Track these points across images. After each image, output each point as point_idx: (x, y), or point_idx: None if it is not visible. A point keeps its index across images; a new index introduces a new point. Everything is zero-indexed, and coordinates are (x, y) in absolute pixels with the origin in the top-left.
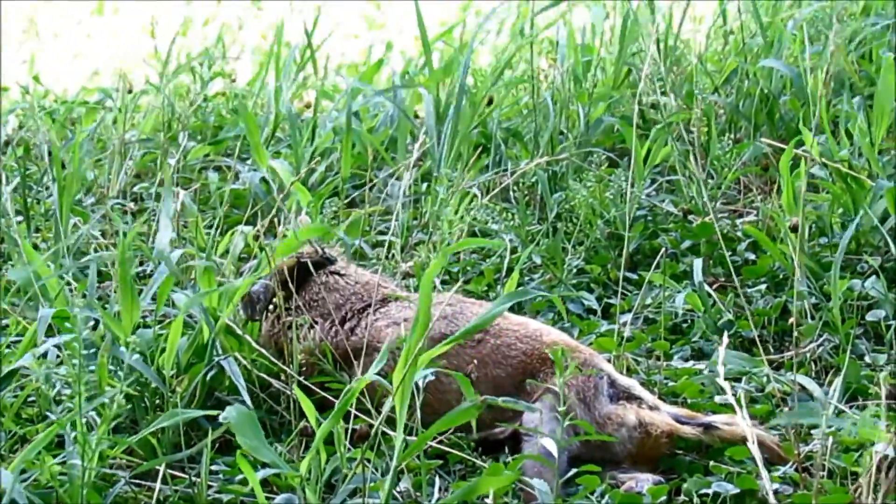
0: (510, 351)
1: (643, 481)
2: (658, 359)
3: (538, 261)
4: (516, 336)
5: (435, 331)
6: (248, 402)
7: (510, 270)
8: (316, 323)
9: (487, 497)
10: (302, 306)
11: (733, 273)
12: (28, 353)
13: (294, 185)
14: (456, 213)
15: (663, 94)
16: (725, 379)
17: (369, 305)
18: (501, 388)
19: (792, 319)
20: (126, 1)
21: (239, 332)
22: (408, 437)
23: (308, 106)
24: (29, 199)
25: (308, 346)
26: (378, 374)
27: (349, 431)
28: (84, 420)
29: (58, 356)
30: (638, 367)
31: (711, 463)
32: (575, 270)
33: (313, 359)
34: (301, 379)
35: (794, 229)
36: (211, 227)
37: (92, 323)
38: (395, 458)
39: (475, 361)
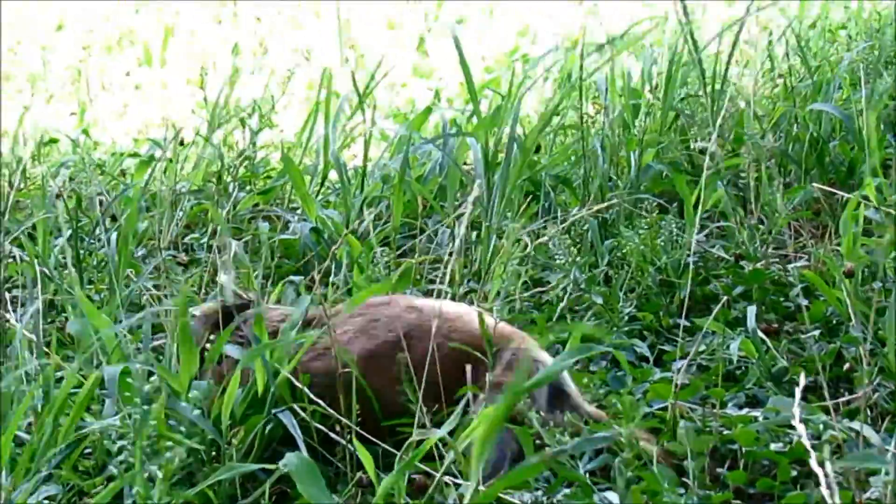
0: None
1: None
2: (713, 406)
3: (599, 300)
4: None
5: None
6: (305, 453)
7: (562, 317)
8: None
9: None
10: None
11: (800, 316)
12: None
13: (346, 236)
14: (518, 261)
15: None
16: (780, 426)
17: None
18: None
19: (847, 365)
20: (175, 52)
21: (297, 383)
22: (465, 483)
23: (355, 155)
24: (81, 251)
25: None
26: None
27: (408, 482)
28: (144, 474)
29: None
30: (692, 414)
31: None
32: (627, 318)
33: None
34: (358, 429)
35: (849, 274)
36: (264, 277)
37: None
38: None
39: None
